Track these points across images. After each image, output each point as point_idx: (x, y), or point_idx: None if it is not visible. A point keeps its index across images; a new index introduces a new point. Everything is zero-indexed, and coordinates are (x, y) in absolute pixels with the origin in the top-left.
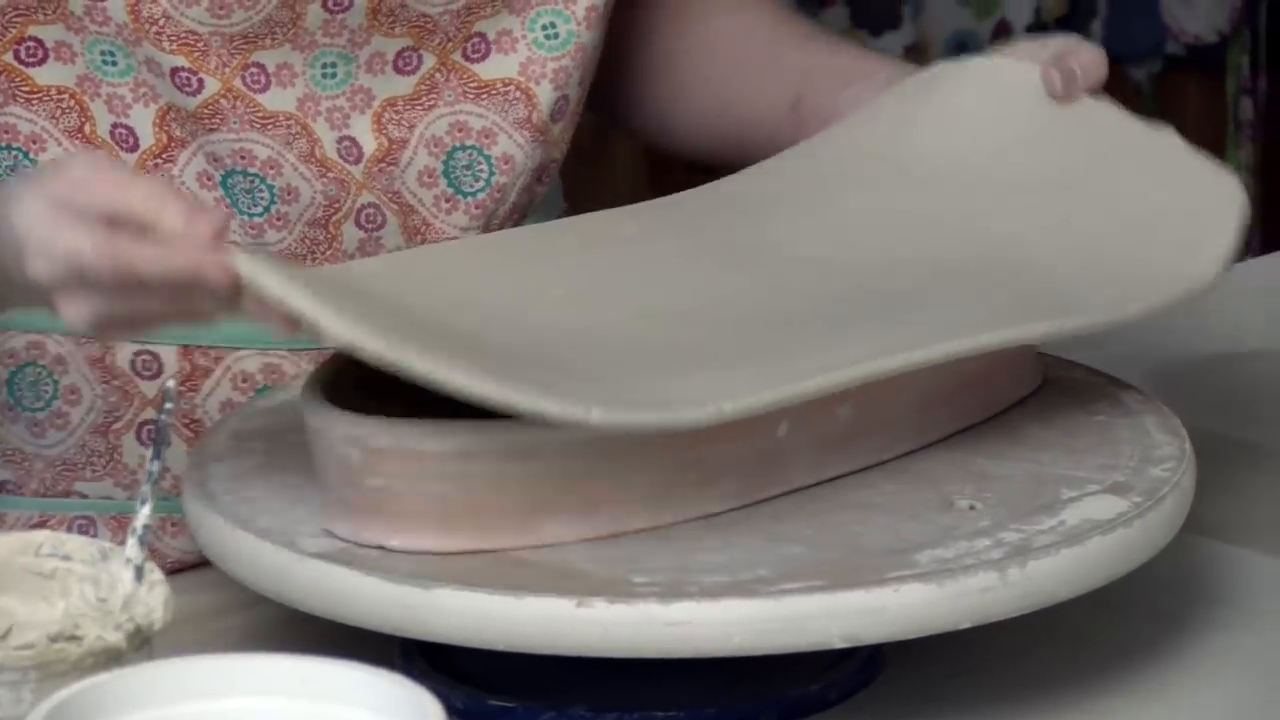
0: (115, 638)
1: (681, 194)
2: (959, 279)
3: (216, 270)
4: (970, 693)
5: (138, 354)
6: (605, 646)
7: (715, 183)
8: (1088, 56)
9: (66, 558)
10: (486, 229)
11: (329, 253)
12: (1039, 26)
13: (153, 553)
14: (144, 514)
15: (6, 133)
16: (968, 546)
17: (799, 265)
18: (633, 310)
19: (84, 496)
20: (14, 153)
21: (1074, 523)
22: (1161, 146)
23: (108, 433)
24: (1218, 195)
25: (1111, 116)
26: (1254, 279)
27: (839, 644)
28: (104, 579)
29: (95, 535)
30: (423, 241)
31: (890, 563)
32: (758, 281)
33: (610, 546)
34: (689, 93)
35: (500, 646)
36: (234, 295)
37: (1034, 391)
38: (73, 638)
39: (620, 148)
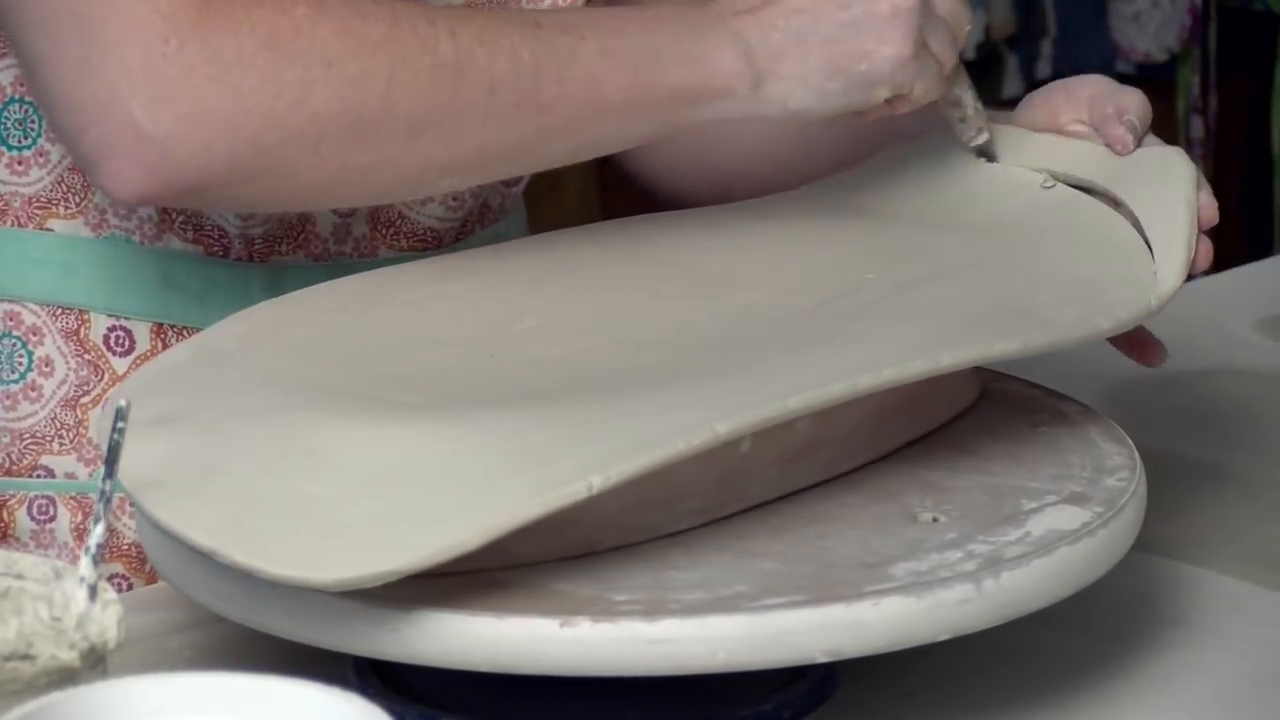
0: (69, 657)
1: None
2: (922, 291)
3: None
4: (924, 712)
5: (111, 329)
6: (589, 666)
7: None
8: (1134, 102)
9: (19, 576)
10: (464, 226)
11: (302, 236)
12: (988, 45)
13: (112, 534)
14: (97, 533)
15: None
16: (940, 559)
17: (765, 286)
18: (603, 339)
19: (49, 473)
20: None
21: (1039, 533)
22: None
23: (76, 406)
24: (1165, 179)
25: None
26: (1204, 297)
27: (822, 658)
28: (57, 598)
29: (55, 517)
30: (391, 232)
31: (866, 576)
32: (724, 305)
33: (584, 566)
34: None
35: (483, 668)
36: None
37: (973, 404)
38: (26, 657)
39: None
